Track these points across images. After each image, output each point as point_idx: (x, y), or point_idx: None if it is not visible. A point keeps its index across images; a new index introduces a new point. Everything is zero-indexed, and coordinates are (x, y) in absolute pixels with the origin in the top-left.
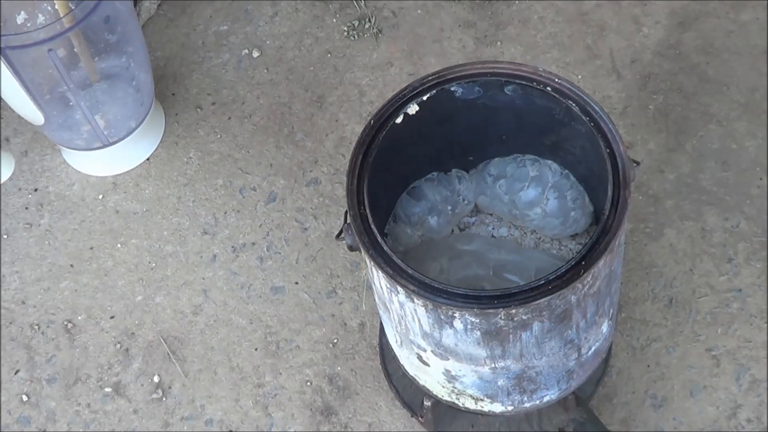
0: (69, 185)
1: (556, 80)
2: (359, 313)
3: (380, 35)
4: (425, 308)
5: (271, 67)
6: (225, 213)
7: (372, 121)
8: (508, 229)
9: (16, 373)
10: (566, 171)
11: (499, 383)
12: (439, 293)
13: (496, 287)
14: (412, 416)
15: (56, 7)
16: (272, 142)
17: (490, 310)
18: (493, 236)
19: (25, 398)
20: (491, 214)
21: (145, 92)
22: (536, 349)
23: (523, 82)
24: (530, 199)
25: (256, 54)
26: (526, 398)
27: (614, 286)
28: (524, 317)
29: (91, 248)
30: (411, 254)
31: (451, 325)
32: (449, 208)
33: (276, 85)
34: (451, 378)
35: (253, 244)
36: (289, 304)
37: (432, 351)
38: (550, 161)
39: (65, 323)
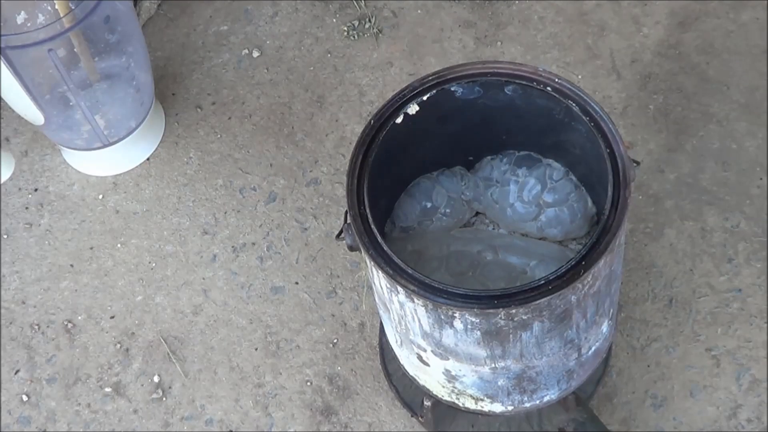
0: (69, 185)
1: (556, 80)
2: (359, 313)
3: (380, 35)
4: (425, 308)
5: (271, 67)
6: (225, 213)
7: (372, 121)
8: (508, 231)
9: (16, 373)
10: (569, 171)
11: (499, 383)
12: (439, 293)
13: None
14: (412, 416)
15: (56, 7)
16: (272, 142)
17: (490, 310)
18: None
19: (25, 398)
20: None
21: (145, 92)
22: (536, 349)
23: (523, 82)
24: (522, 213)
25: (256, 54)
26: (526, 398)
27: (614, 286)
28: (524, 317)
29: (91, 248)
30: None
31: (451, 325)
32: (449, 210)
33: (276, 85)
34: (451, 378)
35: (253, 244)
36: (289, 304)
37: (432, 351)
38: (551, 160)
39: (65, 323)
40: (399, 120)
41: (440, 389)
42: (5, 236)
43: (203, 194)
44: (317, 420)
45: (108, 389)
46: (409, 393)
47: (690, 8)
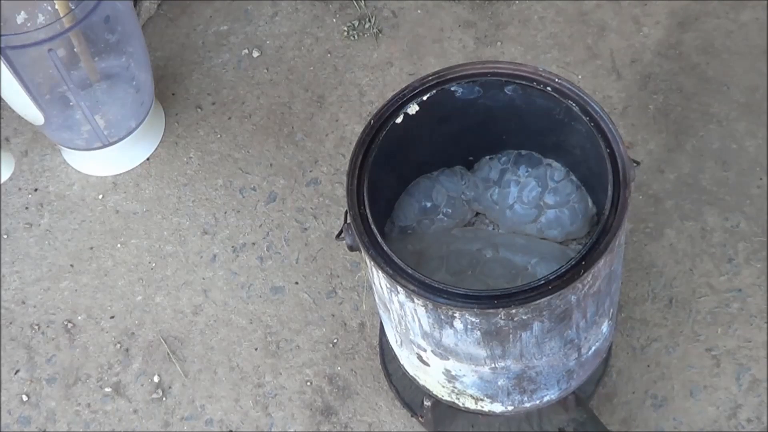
0: (69, 185)
1: (557, 80)
2: (359, 313)
3: (380, 35)
4: (425, 308)
5: (271, 67)
6: (225, 213)
7: (372, 121)
8: (508, 232)
9: (16, 373)
10: (569, 171)
11: (499, 383)
12: (439, 293)
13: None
14: (412, 416)
15: (56, 7)
16: (272, 142)
17: (490, 310)
18: None
19: (25, 398)
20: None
21: (145, 92)
22: (536, 349)
23: (523, 82)
24: (521, 214)
25: (256, 54)
26: (526, 398)
27: (614, 286)
28: (524, 317)
29: (91, 248)
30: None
31: (451, 325)
32: (449, 210)
33: (276, 85)
34: (451, 378)
35: (253, 244)
36: (289, 304)
37: (432, 351)
38: (551, 160)
39: (65, 323)
40: (399, 120)
41: (440, 389)
42: (5, 236)
43: (203, 194)
44: (317, 420)
45: (108, 389)
46: (409, 393)
47: (690, 8)
